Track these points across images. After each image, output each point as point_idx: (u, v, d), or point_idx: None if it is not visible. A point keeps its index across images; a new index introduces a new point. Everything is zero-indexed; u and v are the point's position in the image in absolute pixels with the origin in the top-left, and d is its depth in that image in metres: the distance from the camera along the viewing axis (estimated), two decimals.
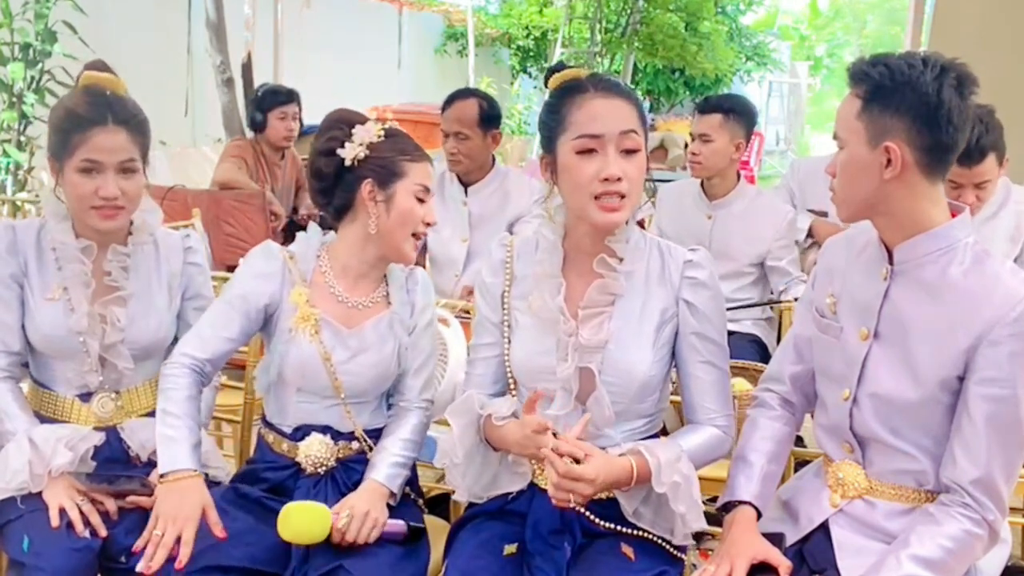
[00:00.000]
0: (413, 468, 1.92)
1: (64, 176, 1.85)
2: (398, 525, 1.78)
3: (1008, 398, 1.47)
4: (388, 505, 1.80)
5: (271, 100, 4.22)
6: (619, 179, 1.61)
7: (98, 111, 1.83)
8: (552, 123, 1.68)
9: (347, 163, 1.81)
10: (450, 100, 3.23)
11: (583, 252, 1.71)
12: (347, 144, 1.81)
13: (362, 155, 1.81)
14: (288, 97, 4.25)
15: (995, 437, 1.48)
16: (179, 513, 1.62)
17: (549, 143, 1.69)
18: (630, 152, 1.63)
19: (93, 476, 1.85)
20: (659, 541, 1.69)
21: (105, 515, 1.81)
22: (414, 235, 1.85)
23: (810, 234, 3.46)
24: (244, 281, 1.84)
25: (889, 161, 1.48)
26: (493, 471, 1.77)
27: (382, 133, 1.84)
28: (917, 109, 1.46)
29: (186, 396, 1.75)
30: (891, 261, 1.57)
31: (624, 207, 1.64)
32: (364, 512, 1.72)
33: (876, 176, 1.50)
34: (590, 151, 1.62)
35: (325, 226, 1.94)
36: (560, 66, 1.78)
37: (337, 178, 1.83)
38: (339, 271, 1.88)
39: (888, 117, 1.48)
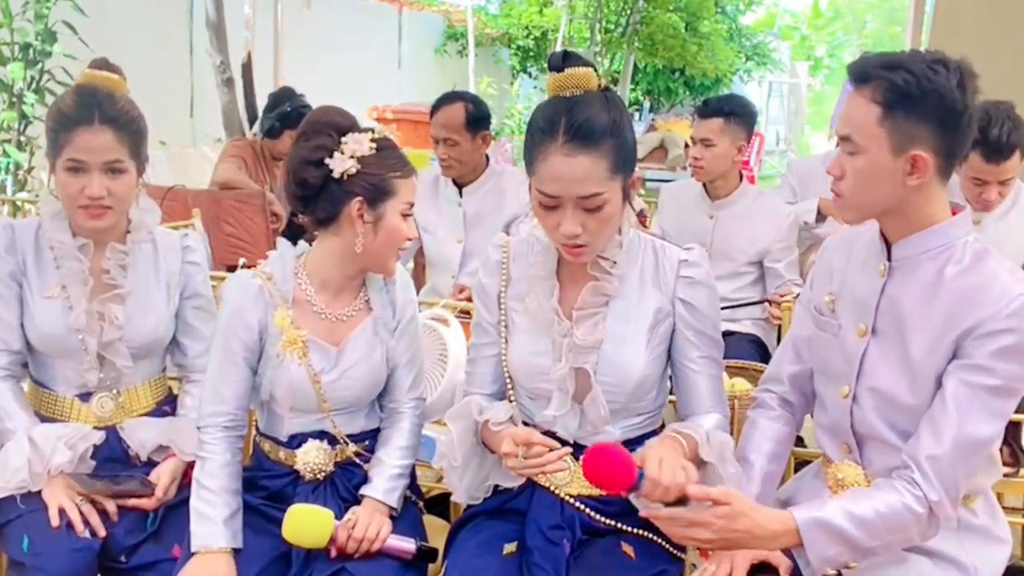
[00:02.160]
0: (412, 469, 1.91)
1: (56, 176, 1.85)
2: (407, 542, 1.75)
3: (985, 386, 1.45)
4: (391, 516, 1.79)
5: (295, 120, 4.11)
6: (577, 235, 1.58)
7: (84, 111, 1.81)
8: (526, 154, 1.62)
9: (335, 175, 1.73)
10: (436, 106, 3.19)
11: None
12: (336, 155, 1.72)
13: (353, 170, 1.72)
14: None
15: (964, 420, 1.45)
16: None
17: (527, 169, 1.64)
18: (592, 209, 1.57)
19: (93, 476, 1.85)
20: (659, 540, 1.69)
21: (105, 515, 1.81)
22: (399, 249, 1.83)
23: (819, 215, 3.44)
24: (230, 319, 1.79)
25: (913, 169, 1.46)
26: (488, 471, 1.78)
27: (374, 146, 1.75)
28: (944, 116, 1.43)
29: (220, 465, 1.76)
30: (889, 257, 1.57)
31: (587, 252, 1.63)
32: (364, 529, 1.72)
33: (899, 183, 1.48)
34: (550, 207, 1.59)
35: (291, 235, 1.89)
36: (565, 56, 1.62)
37: (322, 189, 1.74)
38: (319, 286, 1.83)
39: (914, 124, 1.44)
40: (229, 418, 1.79)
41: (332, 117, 1.78)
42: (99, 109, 1.82)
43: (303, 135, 1.78)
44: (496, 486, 1.79)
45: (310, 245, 1.87)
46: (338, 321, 1.83)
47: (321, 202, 1.76)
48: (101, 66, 1.92)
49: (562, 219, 1.58)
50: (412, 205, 1.81)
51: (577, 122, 1.55)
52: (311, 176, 1.74)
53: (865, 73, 1.47)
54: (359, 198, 1.74)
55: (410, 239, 1.83)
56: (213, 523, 1.71)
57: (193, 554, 1.70)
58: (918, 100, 1.43)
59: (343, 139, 1.74)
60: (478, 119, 3.14)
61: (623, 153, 1.58)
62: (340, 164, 1.72)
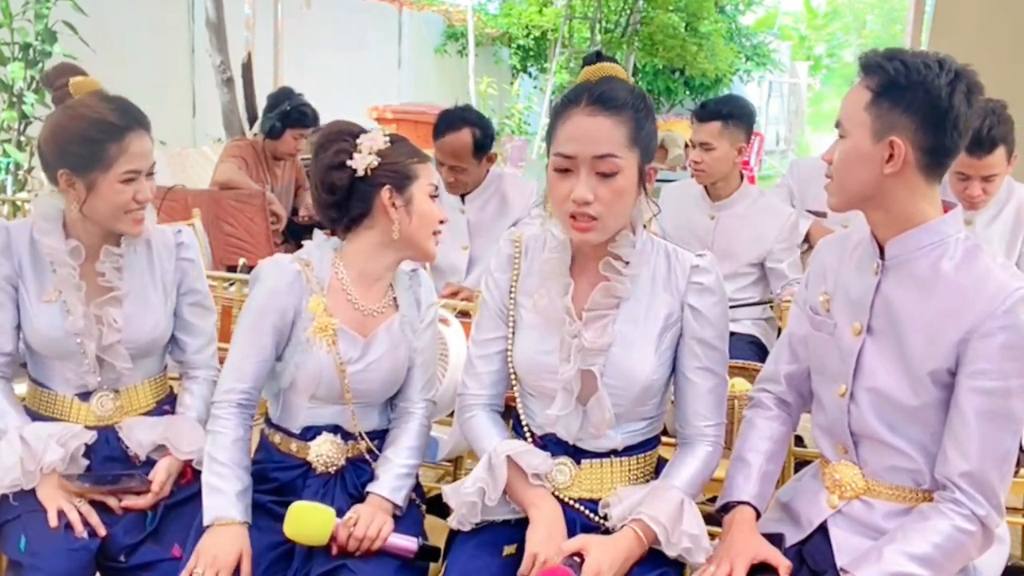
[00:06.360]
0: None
1: (97, 188, 1.82)
2: (409, 541, 1.76)
3: (998, 390, 1.47)
4: (394, 515, 1.80)
5: (296, 119, 4.20)
6: (588, 202, 1.59)
7: (127, 117, 1.84)
8: (549, 130, 1.67)
9: (360, 173, 1.80)
10: (442, 130, 3.13)
11: (589, 254, 1.70)
12: (355, 155, 1.80)
13: (375, 163, 1.79)
14: (312, 122, 4.27)
15: (986, 430, 1.47)
16: (218, 556, 1.66)
17: (547, 148, 1.68)
18: (606, 175, 1.60)
19: (91, 476, 1.85)
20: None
21: (107, 512, 1.81)
22: (434, 232, 1.87)
23: (807, 239, 3.46)
24: (264, 300, 1.81)
25: (891, 156, 1.49)
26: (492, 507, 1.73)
27: (387, 139, 1.83)
28: (927, 110, 1.47)
29: (232, 440, 1.78)
30: (882, 256, 1.58)
31: (596, 228, 1.62)
32: (364, 528, 1.72)
33: (876, 169, 1.51)
34: (565, 170, 1.61)
35: (293, 235, 1.94)
36: (598, 56, 1.71)
37: (350, 189, 1.81)
38: (355, 277, 1.86)
39: (898, 114, 1.48)
40: (245, 396, 1.81)
41: (344, 125, 1.87)
42: (133, 115, 1.85)
43: (320, 146, 1.84)
44: None
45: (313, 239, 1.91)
46: (369, 315, 1.86)
47: (352, 201, 1.82)
48: (76, 72, 1.91)
49: (575, 184, 1.60)
50: (436, 187, 1.88)
51: (600, 89, 1.61)
52: (338, 179, 1.81)
53: (869, 62, 1.53)
54: (386, 186, 1.80)
55: (443, 221, 1.88)
56: (225, 496, 1.73)
57: (206, 528, 1.71)
58: (903, 90, 1.48)
59: (358, 140, 1.82)
60: (484, 143, 3.15)
61: (643, 130, 1.62)
62: (362, 161, 1.80)
